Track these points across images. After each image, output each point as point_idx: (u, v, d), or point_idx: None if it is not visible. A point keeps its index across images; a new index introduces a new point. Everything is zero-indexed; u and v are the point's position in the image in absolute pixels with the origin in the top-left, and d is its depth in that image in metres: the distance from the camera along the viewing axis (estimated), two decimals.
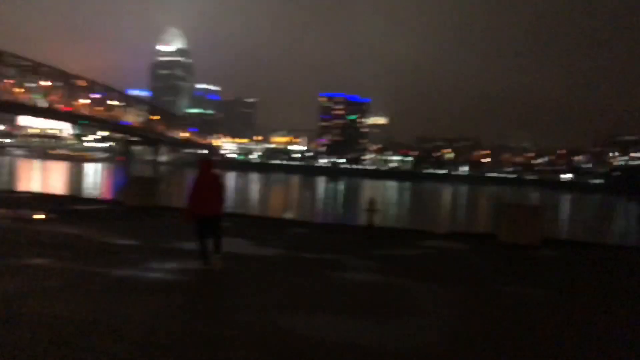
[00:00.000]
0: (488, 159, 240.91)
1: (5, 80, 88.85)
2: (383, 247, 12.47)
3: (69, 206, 17.10)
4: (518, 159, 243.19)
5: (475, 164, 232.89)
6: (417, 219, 30.46)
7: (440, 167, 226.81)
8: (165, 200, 22.08)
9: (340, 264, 9.75)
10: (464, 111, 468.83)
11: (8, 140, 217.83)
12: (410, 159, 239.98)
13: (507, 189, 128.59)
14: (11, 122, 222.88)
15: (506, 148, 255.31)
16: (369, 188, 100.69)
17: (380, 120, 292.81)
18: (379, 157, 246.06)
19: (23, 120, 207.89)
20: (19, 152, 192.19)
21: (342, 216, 31.54)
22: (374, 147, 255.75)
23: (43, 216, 13.88)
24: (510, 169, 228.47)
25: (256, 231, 13.94)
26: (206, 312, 6.11)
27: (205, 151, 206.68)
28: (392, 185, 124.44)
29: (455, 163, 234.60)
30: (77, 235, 11.05)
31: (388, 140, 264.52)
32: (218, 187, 8.43)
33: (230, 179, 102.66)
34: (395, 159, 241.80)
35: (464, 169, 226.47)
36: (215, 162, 9.42)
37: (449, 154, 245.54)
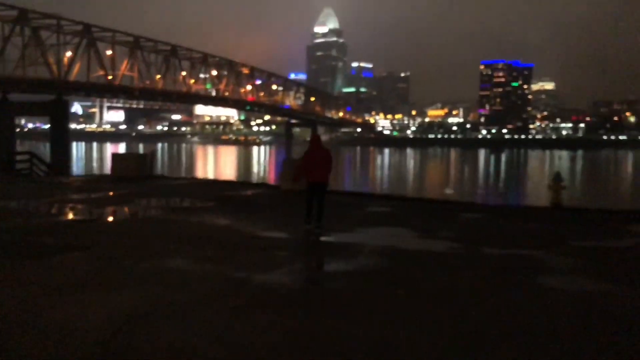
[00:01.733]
0: None
1: (181, 73, 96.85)
2: (584, 236, 9.83)
3: (227, 192, 16.77)
4: None
5: None
6: (607, 194, 25.88)
7: (620, 133, 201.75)
8: None
9: (538, 264, 7.46)
10: None
11: (185, 128, 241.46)
12: (582, 125, 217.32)
13: None
14: (188, 112, 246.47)
15: None
16: (537, 160, 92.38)
17: (547, 86, 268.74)
18: (546, 125, 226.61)
19: (198, 109, 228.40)
20: (194, 139, 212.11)
21: (516, 195, 28.05)
22: (540, 114, 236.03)
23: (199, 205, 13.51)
24: None
25: (420, 218, 12.06)
26: (369, 346, 4.35)
27: (359, 129, 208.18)
28: (563, 155, 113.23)
29: (638, 128, 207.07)
30: (225, 227, 10.19)
31: (556, 107, 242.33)
32: (326, 159, 9.90)
33: (385, 156, 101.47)
34: (565, 127, 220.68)
35: None
36: (320, 137, 10.77)
37: (630, 118, 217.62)
